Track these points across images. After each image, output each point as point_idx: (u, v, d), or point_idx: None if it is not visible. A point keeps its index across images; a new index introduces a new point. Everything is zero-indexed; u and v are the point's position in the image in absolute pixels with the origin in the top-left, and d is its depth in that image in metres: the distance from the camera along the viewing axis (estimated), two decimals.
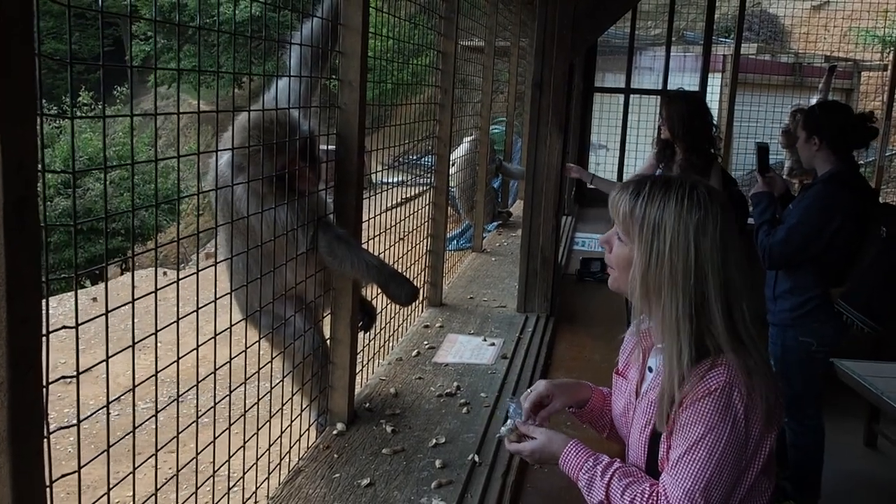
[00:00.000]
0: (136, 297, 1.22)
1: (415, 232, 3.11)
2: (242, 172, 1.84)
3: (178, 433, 1.39)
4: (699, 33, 8.68)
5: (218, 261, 1.73)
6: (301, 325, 2.06)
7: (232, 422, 1.60)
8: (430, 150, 3.40)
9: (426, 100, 3.52)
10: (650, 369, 1.40)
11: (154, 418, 1.32)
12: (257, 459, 1.73)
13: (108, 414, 1.17)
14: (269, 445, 1.81)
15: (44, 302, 0.95)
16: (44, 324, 0.94)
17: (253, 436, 1.73)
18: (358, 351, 2.22)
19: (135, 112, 1.35)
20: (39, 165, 0.91)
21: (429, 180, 3.39)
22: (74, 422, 1.11)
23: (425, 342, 2.87)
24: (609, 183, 3.98)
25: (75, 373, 1.04)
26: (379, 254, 2.29)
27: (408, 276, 2.38)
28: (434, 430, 2.11)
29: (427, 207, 3.33)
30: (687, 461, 1.22)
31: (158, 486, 1.35)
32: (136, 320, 1.21)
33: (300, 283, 1.98)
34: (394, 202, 2.92)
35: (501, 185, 6.01)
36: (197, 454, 1.51)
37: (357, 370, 2.23)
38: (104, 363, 1.14)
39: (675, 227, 1.24)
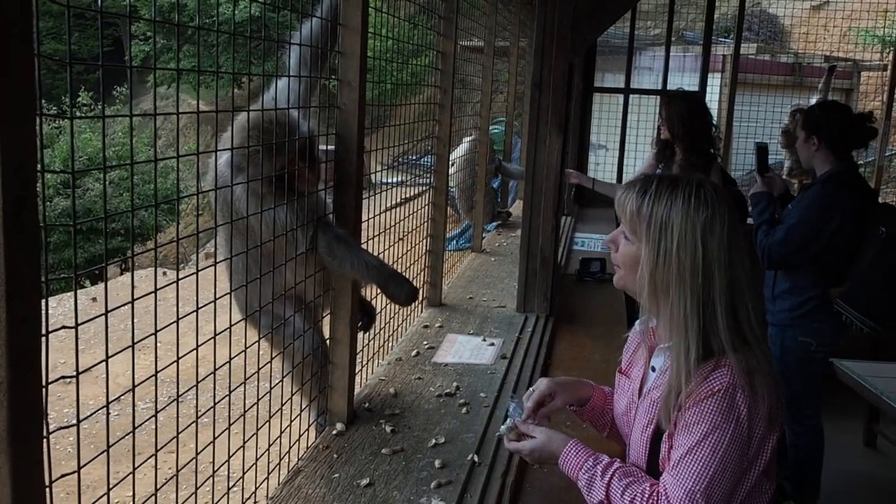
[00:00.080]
0: (135, 297, 1.22)
1: (414, 232, 3.11)
2: (242, 172, 1.84)
3: (178, 433, 1.39)
4: (699, 33, 8.69)
5: (217, 261, 1.73)
6: (301, 325, 2.06)
7: (231, 422, 1.60)
8: (430, 150, 3.40)
9: (426, 100, 3.52)
10: (653, 369, 1.40)
11: (154, 418, 1.32)
12: (257, 459, 1.73)
13: (108, 414, 1.17)
14: (269, 445, 1.81)
15: (43, 302, 0.95)
16: (43, 324, 0.94)
17: (252, 436, 1.73)
18: (357, 351, 2.22)
19: (134, 112, 1.35)
20: (39, 165, 0.91)
21: (428, 180, 3.39)
22: (74, 422, 1.11)
23: (425, 342, 2.87)
24: (611, 186, 3.99)
25: (75, 373, 1.04)
26: (378, 254, 2.29)
27: (407, 276, 2.38)
28: (433, 430, 2.11)
29: (426, 207, 3.33)
30: (689, 461, 1.22)
31: (158, 487, 1.35)
32: (135, 320, 1.21)
33: (300, 283, 1.98)
34: (393, 202, 2.92)
35: (501, 185, 6.00)
36: (197, 454, 1.51)
37: (356, 370, 2.23)
38: (104, 363, 1.14)
39: (683, 226, 1.24)
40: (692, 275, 1.23)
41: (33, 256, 0.91)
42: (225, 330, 1.60)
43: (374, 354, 2.61)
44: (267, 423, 1.78)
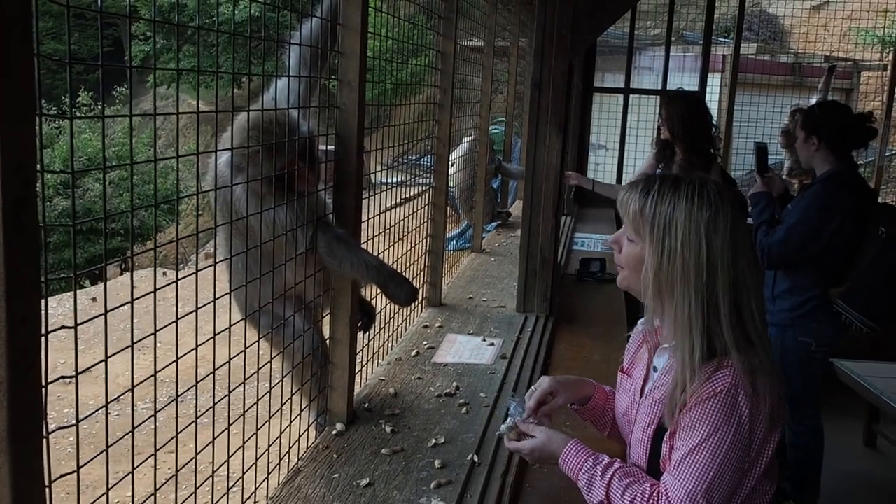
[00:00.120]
0: (135, 297, 1.22)
1: (414, 232, 3.11)
2: (242, 172, 1.84)
3: (178, 433, 1.39)
4: (699, 33, 8.69)
5: (217, 261, 1.73)
6: (300, 325, 2.06)
7: (231, 422, 1.60)
8: (430, 150, 3.40)
9: (425, 100, 3.52)
10: (655, 369, 1.40)
11: (153, 418, 1.32)
12: (256, 459, 1.73)
13: (108, 414, 1.17)
14: (269, 446, 1.81)
15: (43, 302, 0.95)
16: (43, 324, 0.94)
17: (252, 436, 1.73)
18: (357, 351, 2.22)
19: (134, 112, 1.35)
20: (39, 165, 0.91)
21: (428, 180, 3.39)
22: (74, 422, 1.10)
23: (424, 342, 2.87)
24: (611, 187, 3.99)
25: (74, 373, 1.04)
26: (378, 254, 2.29)
27: (407, 276, 2.38)
28: (433, 430, 2.11)
29: (426, 207, 3.33)
30: (690, 462, 1.22)
31: (158, 487, 1.35)
32: (135, 320, 1.21)
33: (299, 283, 1.98)
34: (393, 202, 2.92)
35: (501, 185, 6.01)
36: (196, 454, 1.51)
37: (356, 370, 2.23)
38: (103, 363, 1.14)
39: (687, 225, 1.24)
40: (696, 274, 1.23)
41: (33, 256, 0.91)
42: (225, 330, 1.60)
43: (373, 354, 2.61)
44: (267, 423, 1.78)
